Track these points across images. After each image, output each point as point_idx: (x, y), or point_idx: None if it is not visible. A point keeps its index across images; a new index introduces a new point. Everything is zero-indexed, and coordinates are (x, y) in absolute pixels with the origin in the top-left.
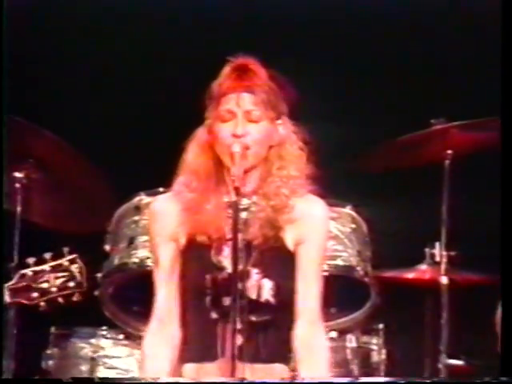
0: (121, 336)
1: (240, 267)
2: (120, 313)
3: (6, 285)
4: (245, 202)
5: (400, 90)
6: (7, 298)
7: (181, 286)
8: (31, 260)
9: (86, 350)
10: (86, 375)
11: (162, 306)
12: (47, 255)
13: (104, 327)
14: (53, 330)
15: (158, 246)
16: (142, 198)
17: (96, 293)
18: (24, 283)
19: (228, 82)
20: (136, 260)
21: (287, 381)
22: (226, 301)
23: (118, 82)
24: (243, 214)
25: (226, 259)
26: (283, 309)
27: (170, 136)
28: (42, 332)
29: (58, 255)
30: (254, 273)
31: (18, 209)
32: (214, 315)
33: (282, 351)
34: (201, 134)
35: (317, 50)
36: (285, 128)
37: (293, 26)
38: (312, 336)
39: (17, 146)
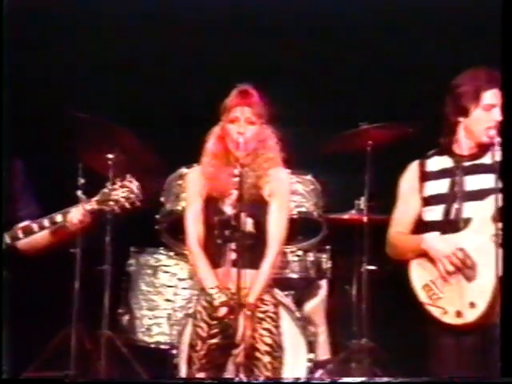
0: (171, 253)
1: (234, 211)
2: (171, 239)
3: (93, 199)
4: (237, 171)
5: (342, 101)
6: (95, 207)
7: (202, 225)
8: (108, 183)
9: (151, 261)
10: (151, 276)
11: (192, 238)
12: (117, 180)
13: (161, 247)
14: (132, 248)
15: (190, 198)
16: (183, 170)
17: (156, 227)
18: (104, 197)
19: (236, 99)
20: (180, 208)
21: (289, 381)
22: (226, 232)
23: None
24: (237, 179)
25: (226, 207)
26: (261, 236)
27: (201, 131)
28: (125, 249)
29: (123, 179)
30: (242, 215)
31: (110, 176)
32: (219, 241)
33: (260, 261)
34: (216, 130)
35: (284, 71)
36: (267, 130)
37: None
38: (266, 259)
39: (108, 138)
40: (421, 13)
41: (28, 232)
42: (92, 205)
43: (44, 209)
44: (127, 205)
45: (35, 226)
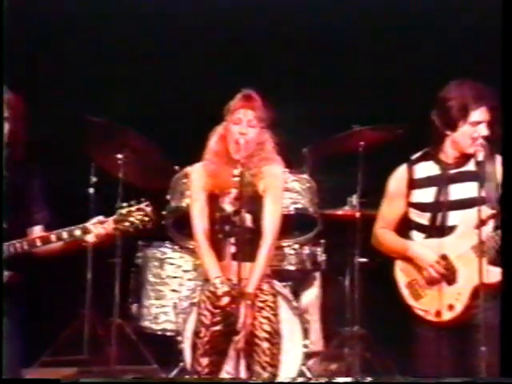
0: (176, 246)
1: (234, 208)
2: (176, 234)
3: (111, 218)
4: (237, 171)
5: (337, 105)
6: (112, 226)
7: (206, 220)
8: (124, 204)
9: (157, 254)
10: (157, 268)
11: (199, 231)
12: (133, 202)
13: (167, 241)
14: (140, 242)
15: (195, 194)
16: (188, 169)
17: (163, 222)
18: (121, 217)
19: (240, 102)
20: (184, 204)
21: (291, 381)
22: (227, 228)
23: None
24: (237, 179)
25: (226, 205)
26: (258, 231)
27: (206, 132)
28: (134, 243)
29: (139, 202)
30: (242, 211)
31: (120, 175)
32: (220, 236)
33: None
34: (219, 129)
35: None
36: (266, 134)
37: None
38: (261, 250)
39: (118, 140)
40: (421, 15)
41: (46, 242)
42: (109, 224)
43: (54, 210)
44: (141, 226)
45: (53, 237)
